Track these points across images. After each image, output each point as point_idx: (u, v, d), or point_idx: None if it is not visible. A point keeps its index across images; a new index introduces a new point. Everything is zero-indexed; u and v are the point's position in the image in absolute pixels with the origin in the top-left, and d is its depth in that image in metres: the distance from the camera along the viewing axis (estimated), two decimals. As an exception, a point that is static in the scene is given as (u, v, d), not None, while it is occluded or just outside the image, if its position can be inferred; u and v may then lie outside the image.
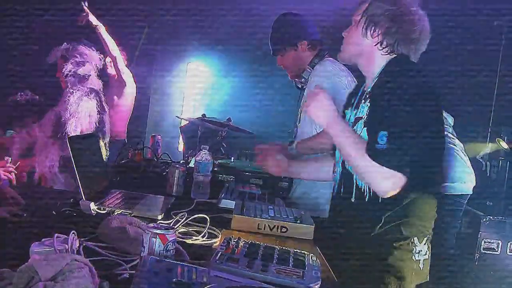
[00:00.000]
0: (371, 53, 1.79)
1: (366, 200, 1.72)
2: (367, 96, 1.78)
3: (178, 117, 5.59)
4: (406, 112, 1.57)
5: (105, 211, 1.83)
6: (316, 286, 1.28)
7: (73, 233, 1.24)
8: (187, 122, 4.68)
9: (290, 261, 1.41)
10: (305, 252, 1.51)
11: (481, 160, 4.19)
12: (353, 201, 1.78)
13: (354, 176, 1.77)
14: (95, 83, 2.91)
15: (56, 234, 1.23)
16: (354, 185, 1.77)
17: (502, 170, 3.91)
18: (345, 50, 1.88)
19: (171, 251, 1.26)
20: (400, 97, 1.59)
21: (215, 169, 2.68)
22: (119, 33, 4.78)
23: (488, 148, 4.22)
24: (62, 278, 0.96)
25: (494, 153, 4.13)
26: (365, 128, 1.72)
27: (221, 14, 5.60)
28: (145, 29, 5.77)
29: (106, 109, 2.92)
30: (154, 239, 1.24)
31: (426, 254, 1.75)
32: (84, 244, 1.34)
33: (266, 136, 4.46)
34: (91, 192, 1.92)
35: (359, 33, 1.79)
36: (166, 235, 1.24)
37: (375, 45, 1.76)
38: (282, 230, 1.81)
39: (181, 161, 3.14)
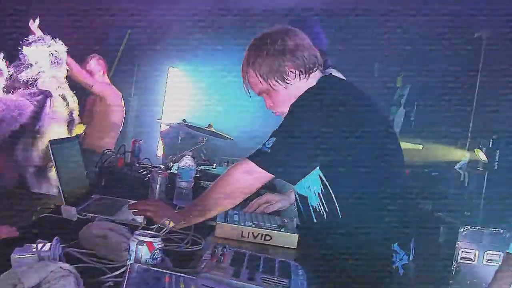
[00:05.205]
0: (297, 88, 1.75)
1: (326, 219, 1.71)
2: None
3: (159, 121, 5.54)
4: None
5: (86, 217, 1.80)
6: (302, 296, 1.28)
7: (56, 239, 1.21)
8: (168, 127, 4.64)
9: (276, 270, 1.40)
10: (290, 261, 1.51)
11: (459, 170, 4.25)
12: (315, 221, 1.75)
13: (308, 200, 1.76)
14: (49, 82, 2.61)
15: (38, 240, 1.20)
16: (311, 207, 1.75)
17: (480, 180, 3.98)
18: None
19: (158, 259, 1.24)
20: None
21: (197, 175, 2.66)
22: (98, 39, 4.72)
23: (466, 158, 4.29)
24: (47, 286, 0.94)
25: (472, 163, 4.19)
26: None
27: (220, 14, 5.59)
28: (127, 34, 5.71)
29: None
30: (141, 246, 1.21)
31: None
32: (65, 251, 1.31)
33: (248, 141, 4.44)
34: (71, 197, 1.88)
35: (283, 92, 1.75)
36: (154, 243, 1.22)
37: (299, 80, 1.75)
38: (266, 239, 1.80)
39: (162, 166, 3.10)
